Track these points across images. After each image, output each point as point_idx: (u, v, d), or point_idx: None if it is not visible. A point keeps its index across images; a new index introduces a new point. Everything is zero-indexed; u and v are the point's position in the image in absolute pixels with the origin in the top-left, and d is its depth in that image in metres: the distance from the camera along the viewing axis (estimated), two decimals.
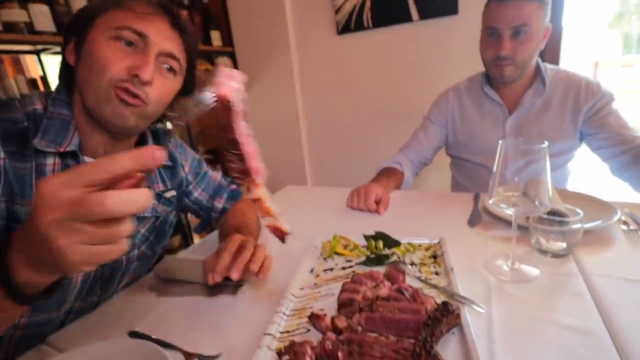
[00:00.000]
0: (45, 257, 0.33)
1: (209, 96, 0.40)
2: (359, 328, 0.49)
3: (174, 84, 0.68)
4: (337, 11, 1.95)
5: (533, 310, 0.53)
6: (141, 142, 0.77)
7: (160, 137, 0.83)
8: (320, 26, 2.04)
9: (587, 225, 0.70)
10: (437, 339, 0.43)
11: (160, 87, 0.64)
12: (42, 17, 1.33)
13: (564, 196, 0.83)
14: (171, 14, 0.65)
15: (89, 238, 0.32)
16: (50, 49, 1.47)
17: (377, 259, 0.69)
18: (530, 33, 0.98)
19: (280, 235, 0.49)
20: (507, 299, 0.56)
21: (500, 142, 0.60)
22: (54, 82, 1.47)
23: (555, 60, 1.64)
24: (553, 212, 0.69)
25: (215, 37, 2.20)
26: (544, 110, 1.09)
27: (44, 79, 1.46)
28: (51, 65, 1.51)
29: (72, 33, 0.64)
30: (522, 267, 0.63)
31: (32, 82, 1.41)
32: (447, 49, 1.77)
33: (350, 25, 1.94)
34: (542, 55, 1.55)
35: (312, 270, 0.68)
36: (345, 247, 0.74)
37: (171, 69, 0.65)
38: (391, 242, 0.73)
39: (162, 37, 0.62)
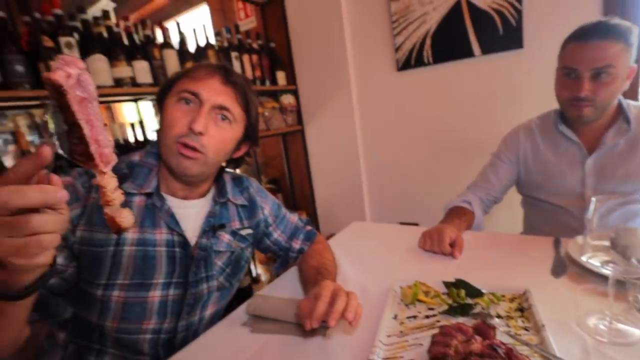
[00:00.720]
0: None
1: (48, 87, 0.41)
2: None
3: (230, 132, 0.78)
4: (397, 49, 2.02)
5: None
6: (220, 185, 0.87)
7: (243, 183, 0.94)
8: (380, 64, 2.12)
9: None
10: None
11: (215, 136, 0.75)
12: (143, 72, 1.54)
13: None
14: (222, 72, 0.77)
15: (4, 229, 0.37)
16: (146, 97, 1.69)
17: (460, 309, 0.70)
18: (614, 75, 0.95)
19: (115, 227, 0.48)
20: None
21: (593, 199, 0.60)
22: (147, 123, 1.67)
23: (634, 95, 1.54)
24: None
25: (281, 77, 2.37)
26: (630, 150, 1.04)
27: (140, 122, 1.66)
28: (146, 110, 1.72)
29: (159, 100, 0.78)
30: (621, 327, 0.61)
31: (131, 126, 1.61)
32: (512, 85, 1.75)
33: (410, 62, 2.00)
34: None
35: (395, 317, 0.71)
36: (426, 294, 0.75)
37: (225, 118, 0.76)
38: (473, 292, 0.73)
39: (213, 93, 0.74)
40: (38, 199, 0.37)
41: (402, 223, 1.36)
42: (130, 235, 0.72)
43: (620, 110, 1.07)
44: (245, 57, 2.13)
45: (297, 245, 1.00)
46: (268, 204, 0.98)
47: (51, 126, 0.38)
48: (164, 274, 0.74)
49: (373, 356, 0.59)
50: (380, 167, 2.31)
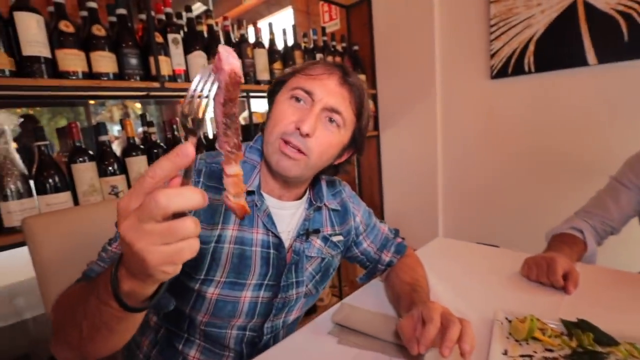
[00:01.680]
0: (133, 262, 0.38)
1: (223, 77, 0.38)
2: None
3: (338, 136, 0.72)
4: (492, 55, 1.87)
5: None
6: (316, 189, 0.83)
7: (336, 186, 0.90)
8: (471, 70, 1.98)
9: None
10: None
11: (321, 139, 0.69)
12: None
13: None
14: (341, 72, 0.72)
15: (159, 236, 0.35)
16: None
17: (589, 356, 0.59)
18: None
19: (243, 212, 0.44)
20: None
21: None
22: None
23: None
24: None
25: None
26: None
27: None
28: None
29: (269, 95, 0.77)
30: None
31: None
32: (636, 100, 1.51)
33: (507, 69, 1.84)
34: None
35: (505, 353, 0.62)
36: (543, 332, 0.65)
37: (333, 121, 0.70)
38: (605, 338, 0.62)
39: (327, 93, 0.69)
40: (196, 202, 0.36)
41: (479, 243, 1.24)
42: (230, 233, 0.71)
43: None
44: (329, 59, 2.13)
45: (387, 257, 0.94)
46: (360, 211, 0.93)
47: (204, 119, 0.36)
48: (257, 275, 0.73)
49: None
50: (460, 182, 2.15)
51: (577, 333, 0.63)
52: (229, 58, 0.38)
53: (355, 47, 2.36)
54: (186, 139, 0.40)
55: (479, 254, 1.13)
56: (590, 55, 1.59)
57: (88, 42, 1.18)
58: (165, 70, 1.37)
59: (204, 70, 0.39)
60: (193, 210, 0.37)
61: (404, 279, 0.83)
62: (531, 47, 1.75)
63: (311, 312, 0.83)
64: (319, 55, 2.07)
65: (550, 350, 0.62)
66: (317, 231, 0.81)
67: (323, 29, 2.21)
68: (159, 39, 1.35)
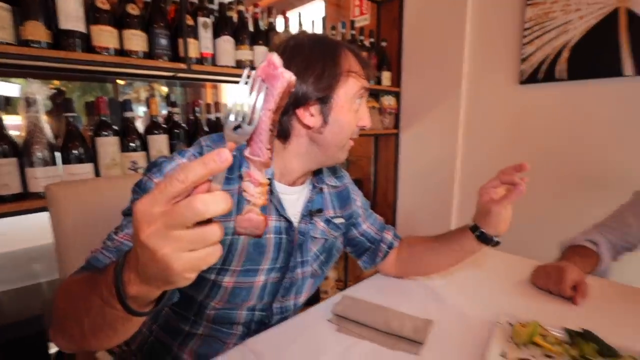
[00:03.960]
0: (154, 269, 0.35)
1: (280, 84, 0.36)
2: None
3: None
4: (523, 60, 1.82)
5: None
6: (317, 173, 0.86)
7: (337, 172, 0.92)
8: (500, 74, 1.93)
9: None
10: None
11: None
12: (262, 57, 1.62)
13: None
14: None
15: (188, 243, 0.34)
16: None
17: None
18: None
19: (263, 229, 0.41)
20: None
21: None
22: None
23: None
24: None
25: (386, 77, 2.32)
26: None
27: None
28: None
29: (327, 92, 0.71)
30: None
31: None
32: None
33: (537, 75, 1.78)
34: None
35: (504, 355, 0.62)
36: (544, 337, 0.64)
37: None
38: (606, 350, 0.60)
39: None
40: (228, 208, 0.34)
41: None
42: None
43: None
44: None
45: (389, 236, 0.96)
46: (359, 198, 0.97)
47: (253, 125, 0.34)
48: (270, 261, 0.75)
49: None
50: (477, 187, 2.11)
51: (580, 342, 0.62)
52: (283, 67, 0.37)
53: (383, 43, 2.34)
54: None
55: (489, 258, 1.12)
56: (628, 65, 1.53)
57: (122, 20, 1.22)
58: (193, 53, 1.40)
59: (251, 76, 0.38)
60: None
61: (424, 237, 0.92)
62: (565, 54, 1.69)
63: (314, 303, 0.84)
64: None
65: (550, 357, 0.61)
66: (319, 211, 0.83)
67: (352, 22, 2.20)
68: (189, 21, 1.38)
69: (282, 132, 0.73)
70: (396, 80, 2.41)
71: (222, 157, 0.32)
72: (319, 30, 1.96)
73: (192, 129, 1.50)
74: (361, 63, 0.74)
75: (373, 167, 2.68)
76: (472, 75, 2.06)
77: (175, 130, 1.43)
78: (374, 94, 2.38)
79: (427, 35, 2.21)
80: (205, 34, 1.45)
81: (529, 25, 1.78)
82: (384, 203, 2.66)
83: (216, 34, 1.48)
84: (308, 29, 1.92)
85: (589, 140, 1.67)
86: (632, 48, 1.51)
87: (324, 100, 0.70)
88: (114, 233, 0.63)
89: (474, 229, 0.82)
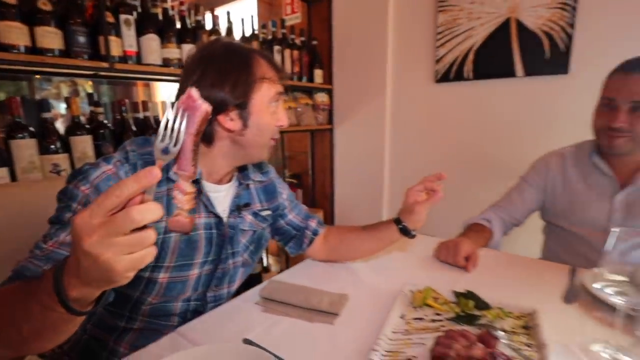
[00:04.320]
0: (97, 272, 0.40)
1: (199, 114, 0.45)
2: None
3: None
4: (437, 61, 2.03)
5: None
6: (242, 171, 0.91)
7: (263, 168, 0.99)
8: (419, 73, 2.13)
9: None
10: None
11: None
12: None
13: None
14: None
15: (127, 247, 0.39)
16: None
17: (467, 318, 0.72)
18: None
19: (190, 228, 0.50)
20: None
21: (613, 231, 0.60)
22: None
23: None
24: None
25: (318, 75, 2.41)
26: None
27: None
28: None
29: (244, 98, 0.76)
30: (624, 358, 0.61)
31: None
32: (552, 110, 1.72)
33: (449, 75, 2.00)
34: None
35: (402, 317, 0.74)
36: (435, 299, 0.78)
37: None
38: (482, 304, 0.75)
39: None
40: (160, 215, 0.40)
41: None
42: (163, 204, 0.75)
43: None
44: (287, 52, 2.18)
45: (313, 224, 1.05)
46: (285, 190, 1.04)
47: (178, 146, 0.40)
48: (203, 254, 0.80)
49: (377, 347, 0.62)
50: (404, 176, 2.31)
51: (462, 300, 0.76)
52: (201, 99, 0.45)
53: (314, 42, 2.42)
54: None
55: (404, 240, 1.26)
56: (519, 67, 1.78)
57: (32, 16, 1.16)
58: (115, 51, 1.37)
59: (175, 106, 0.45)
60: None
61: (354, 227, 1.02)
62: (471, 56, 1.91)
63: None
64: (276, 48, 2.12)
65: (439, 315, 0.75)
66: (247, 205, 0.89)
67: (282, 21, 2.25)
68: (110, 18, 1.35)
69: (206, 137, 0.77)
70: (328, 78, 2.52)
71: (152, 174, 0.38)
72: (248, 28, 1.99)
73: (119, 129, 1.46)
74: (274, 68, 0.79)
75: (310, 162, 2.78)
76: (395, 74, 2.24)
77: (100, 131, 1.39)
78: (308, 91, 2.47)
79: (355, 36, 2.34)
80: (129, 32, 1.41)
81: (441, 30, 1.98)
82: (322, 195, 2.77)
83: (140, 32, 1.46)
84: (237, 27, 1.94)
85: (491, 132, 1.92)
86: (522, 53, 1.76)
87: (242, 106, 0.75)
88: (42, 242, 0.63)
89: (398, 222, 0.96)
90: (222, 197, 0.86)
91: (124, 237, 0.38)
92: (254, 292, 0.87)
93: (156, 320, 0.81)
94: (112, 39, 1.34)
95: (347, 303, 0.80)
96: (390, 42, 2.20)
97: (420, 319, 0.73)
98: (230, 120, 0.76)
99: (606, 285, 0.64)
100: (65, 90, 3.17)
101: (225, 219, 0.84)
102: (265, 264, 2.44)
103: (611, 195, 1.08)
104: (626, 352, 0.63)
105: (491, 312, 0.73)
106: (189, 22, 1.69)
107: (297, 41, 2.29)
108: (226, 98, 0.73)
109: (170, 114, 0.44)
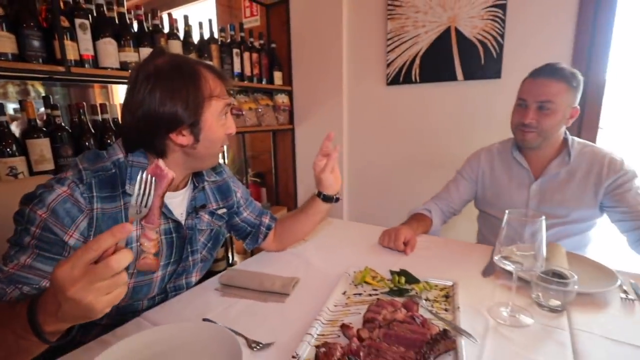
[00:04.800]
0: (78, 312, 0.47)
1: (166, 181, 0.56)
2: (377, 340, 0.65)
3: None
4: (388, 65, 2.18)
5: (518, 349, 0.66)
6: (197, 175, 0.95)
7: (216, 168, 1.04)
8: (372, 76, 2.27)
9: (582, 289, 0.82)
10: (434, 354, 0.58)
11: None
12: None
13: (577, 260, 0.95)
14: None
15: (106, 289, 0.47)
16: None
17: (398, 292, 0.84)
18: (554, 109, 1.12)
19: (157, 266, 0.59)
20: (499, 337, 0.69)
21: (507, 212, 0.75)
22: None
23: (594, 125, 1.71)
24: (557, 274, 0.81)
25: (278, 77, 2.50)
26: (568, 180, 1.21)
27: None
28: None
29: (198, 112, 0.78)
30: (520, 315, 0.76)
31: None
32: (487, 110, 1.92)
33: (399, 78, 2.15)
34: (581, 123, 1.68)
35: (344, 293, 0.85)
36: (373, 278, 0.90)
37: None
38: (412, 279, 0.88)
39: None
40: (132, 258, 0.48)
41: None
42: (134, 234, 0.80)
43: (565, 145, 1.23)
44: (246, 55, 2.25)
45: (266, 220, 1.14)
46: (240, 189, 1.10)
47: (148, 206, 0.51)
48: (165, 257, 0.86)
49: (319, 317, 0.72)
50: (361, 172, 2.46)
51: (395, 277, 0.88)
52: (167, 168, 0.56)
53: (273, 45, 2.51)
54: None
55: (355, 230, 1.39)
56: (459, 72, 1.96)
57: None
58: (71, 55, 1.38)
59: (144, 174, 0.55)
60: None
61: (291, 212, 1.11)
62: (417, 61, 2.08)
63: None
64: (235, 50, 2.18)
65: (376, 290, 0.86)
66: (203, 206, 0.95)
67: (241, 24, 2.31)
68: (64, 22, 1.36)
69: (159, 151, 0.79)
70: (288, 79, 2.61)
71: (126, 229, 0.47)
72: (207, 31, 2.04)
73: (77, 131, 1.48)
74: (220, 79, 0.81)
75: (273, 161, 2.86)
76: (350, 76, 2.37)
77: (59, 133, 1.40)
78: (268, 93, 2.55)
79: (312, 39, 2.45)
80: (84, 36, 1.43)
81: (391, 36, 2.13)
82: (285, 193, 2.86)
83: (97, 36, 1.48)
84: (196, 30, 1.99)
85: (434, 131, 2.11)
86: (461, 59, 1.94)
87: (194, 124, 0.77)
88: (2, 264, 0.66)
89: (319, 194, 1.08)
90: (179, 201, 0.90)
91: (102, 282, 0.46)
92: (213, 280, 0.95)
93: (124, 317, 0.87)
94: (68, 43, 1.36)
95: (297, 285, 0.91)
96: (345, 45, 2.33)
97: (359, 294, 0.85)
98: (182, 137, 0.77)
99: (512, 259, 0.78)
100: (12, 90, 3.04)
101: (183, 222, 0.89)
102: (230, 261, 2.50)
103: (528, 185, 1.26)
104: (523, 311, 0.77)
105: (419, 286, 0.85)
106: (147, 26, 1.72)
107: (257, 44, 2.37)
108: (177, 116, 0.74)
109: (141, 180, 0.54)
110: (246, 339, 0.68)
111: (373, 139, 2.36)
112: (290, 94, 2.62)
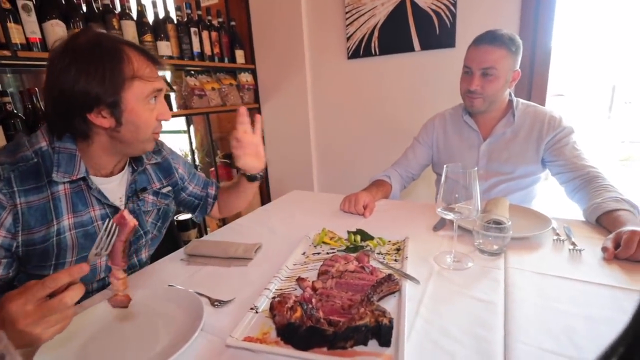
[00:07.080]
0: (24, 341, 0.50)
1: (128, 228, 0.61)
2: (330, 289, 0.71)
3: None
4: (348, 38, 2.20)
5: (457, 288, 0.74)
6: (135, 157, 0.94)
7: (155, 149, 1.02)
8: (333, 50, 2.29)
9: (519, 234, 0.91)
10: (377, 295, 0.65)
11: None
12: None
13: (519, 211, 1.05)
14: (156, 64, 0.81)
15: (54, 322, 0.50)
16: None
17: (354, 249, 0.91)
18: (496, 75, 1.19)
19: (127, 303, 0.65)
20: (441, 279, 0.77)
21: (445, 166, 0.81)
22: None
23: (543, 89, 1.81)
24: (496, 222, 0.90)
25: (239, 55, 2.47)
26: (513, 139, 1.30)
27: None
28: None
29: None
30: (462, 260, 0.84)
31: None
32: (442, 79, 1.99)
33: (359, 51, 2.18)
34: (531, 87, 1.77)
35: (304, 253, 0.91)
36: (331, 238, 0.96)
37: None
38: (366, 236, 0.95)
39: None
40: (83, 292, 0.52)
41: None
42: (67, 222, 0.78)
43: (510, 106, 1.32)
44: (205, 34, 2.21)
45: (212, 191, 1.19)
46: (180, 164, 1.10)
47: (110, 250, 0.61)
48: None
49: (278, 274, 0.78)
50: (329, 145, 2.51)
51: (351, 236, 0.95)
52: (131, 217, 0.61)
53: (233, 23, 2.46)
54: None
55: (321, 199, 1.44)
56: (416, 42, 2.01)
57: None
58: (17, 39, 1.33)
59: (109, 223, 0.61)
60: None
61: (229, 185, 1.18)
62: (376, 34, 2.11)
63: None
64: (193, 30, 2.13)
65: (333, 249, 0.93)
66: (144, 189, 0.95)
67: (197, 2, 2.26)
68: (5, 4, 1.31)
69: (82, 134, 0.77)
70: (250, 58, 2.58)
71: (82, 270, 0.51)
72: (161, 10, 1.99)
73: (31, 117, 1.44)
74: (150, 60, 0.78)
75: None
76: (312, 51, 2.38)
77: (11, 120, 1.36)
78: (232, 72, 2.52)
79: (272, 16, 2.42)
80: (29, 18, 1.38)
81: (349, 9, 2.14)
82: None
83: (43, 18, 1.42)
84: (150, 10, 1.93)
85: (394, 100, 2.17)
86: (417, 30, 1.99)
87: (113, 105, 0.74)
88: None
89: (243, 174, 1.10)
90: (115, 186, 0.88)
91: (53, 316, 0.49)
92: (179, 252, 0.98)
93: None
94: (12, 25, 1.31)
95: (260, 250, 0.96)
96: (305, 20, 2.33)
97: (318, 253, 0.91)
98: (102, 118, 0.74)
99: (454, 210, 0.85)
100: None
101: (123, 206, 0.89)
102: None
103: (478, 146, 1.34)
104: (465, 257, 0.86)
105: (373, 242, 0.92)
106: (96, 6, 1.66)
107: (215, 22, 2.32)
108: (92, 95, 0.71)
109: (106, 228, 0.60)
110: (209, 298, 0.73)
111: (338, 112, 2.40)
112: (254, 73, 2.61)
